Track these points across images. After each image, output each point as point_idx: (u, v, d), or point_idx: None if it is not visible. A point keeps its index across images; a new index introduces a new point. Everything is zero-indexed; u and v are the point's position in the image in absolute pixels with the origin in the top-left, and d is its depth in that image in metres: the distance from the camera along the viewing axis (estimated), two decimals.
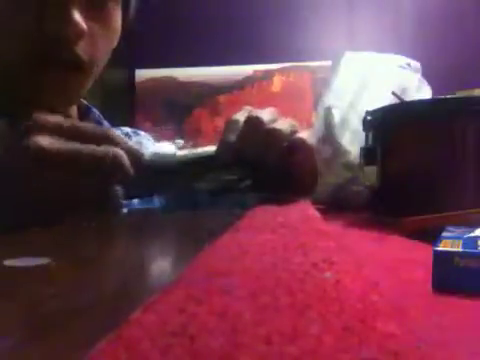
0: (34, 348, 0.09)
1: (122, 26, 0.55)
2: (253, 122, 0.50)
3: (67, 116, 0.44)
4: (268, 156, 0.49)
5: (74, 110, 0.61)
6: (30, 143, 0.38)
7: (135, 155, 0.42)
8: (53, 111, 0.42)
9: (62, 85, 0.50)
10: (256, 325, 0.10)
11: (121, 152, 0.41)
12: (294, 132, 0.51)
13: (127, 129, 0.75)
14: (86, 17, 0.47)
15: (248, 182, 0.52)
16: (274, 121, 0.51)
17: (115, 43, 0.55)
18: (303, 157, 0.52)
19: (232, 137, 0.50)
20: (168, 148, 0.48)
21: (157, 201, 0.66)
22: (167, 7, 2.17)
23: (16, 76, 0.48)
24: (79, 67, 0.49)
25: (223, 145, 0.50)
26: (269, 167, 0.50)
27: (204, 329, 0.10)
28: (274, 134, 0.50)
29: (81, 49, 0.48)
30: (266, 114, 0.51)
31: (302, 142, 0.51)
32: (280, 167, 0.50)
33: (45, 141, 0.38)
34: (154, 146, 0.45)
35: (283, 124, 0.51)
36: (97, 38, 0.50)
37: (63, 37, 0.46)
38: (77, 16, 0.46)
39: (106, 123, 0.70)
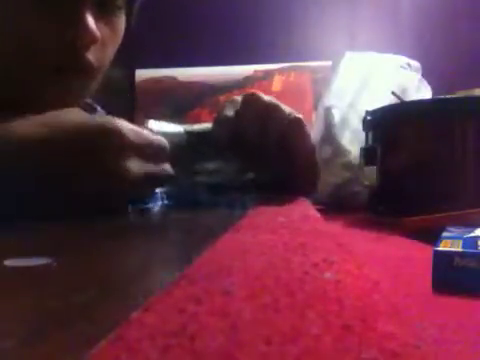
0: (34, 348, 0.09)
1: (125, 29, 0.55)
2: (252, 97, 0.50)
3: None
4: (268, 131, 0.49)
5: None
6: (115, 123, 0.36)
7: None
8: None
9: (67, 88, 0.50)
10: (256, 325, 0.10)
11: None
12: (292, 113, 0.52)
13: None
14: (97, 23, 0.47)
15: (250, 175, 0.52)
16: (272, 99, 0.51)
17: (118, 46, 0.55)
18: (302, 138, 0.51)
19: (230, 112, 0.50)
20: (174, 127, 0.48)
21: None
22: (167, 7, 2.17)
23: (21, 78, 0.48)
24: (86, 72, 0.49)
25: (220, 119, 0.50)
26: (269, 146, 0.49)
27: (204, 329, 0.10)
28: (273, 108, 0.49)
29: (91, 55, 0.48)
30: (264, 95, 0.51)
31: (300, 122, 0.51)
32: (280, 146, 0.49)
33: (127, 129, 0.37)
34: (160, 127, 0.44)
35: (282, 105, 0.51)
36: (106, 43, 0.50)
37: (77, 44, 0.46)
38: (92, 23, 0.46)
39: None
